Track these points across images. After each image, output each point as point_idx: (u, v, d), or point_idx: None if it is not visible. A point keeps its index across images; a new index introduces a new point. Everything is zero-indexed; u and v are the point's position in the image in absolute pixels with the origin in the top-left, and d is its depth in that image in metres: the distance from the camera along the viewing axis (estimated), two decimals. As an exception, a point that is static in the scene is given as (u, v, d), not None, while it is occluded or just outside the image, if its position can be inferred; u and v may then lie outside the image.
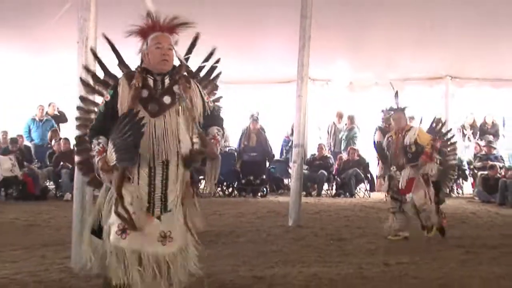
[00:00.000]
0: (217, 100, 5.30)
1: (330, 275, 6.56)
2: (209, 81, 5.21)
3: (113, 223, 4.47)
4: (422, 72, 18.91)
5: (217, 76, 5.26)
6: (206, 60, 5.13)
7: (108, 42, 4.90)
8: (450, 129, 16.71)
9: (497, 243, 8.95)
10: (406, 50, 16.97)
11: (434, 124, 9.85)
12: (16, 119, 18.50)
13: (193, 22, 4.64)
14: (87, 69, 5.31)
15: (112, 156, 4.40)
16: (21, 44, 15.83)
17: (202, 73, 5.21)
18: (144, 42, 4.56)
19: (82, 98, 5.19)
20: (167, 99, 4.50)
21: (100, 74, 5.07)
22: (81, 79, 5.23)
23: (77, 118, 5.24)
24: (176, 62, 4.69)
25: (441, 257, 7.75)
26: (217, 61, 5.20)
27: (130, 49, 4.65)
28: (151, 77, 4.53)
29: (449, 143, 9.91)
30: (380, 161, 11.47)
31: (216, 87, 5.27)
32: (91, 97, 5.24)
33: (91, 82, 5.11)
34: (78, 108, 5.21)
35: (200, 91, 4.70)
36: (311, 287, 6.03)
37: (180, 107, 4.52)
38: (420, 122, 9.81)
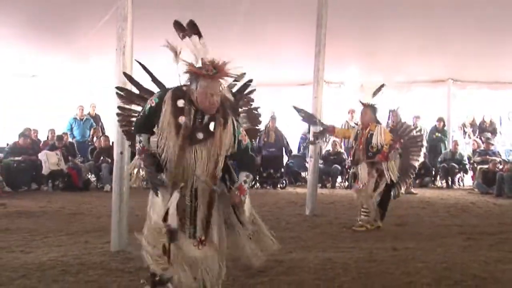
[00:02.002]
0: (255, 109, 5.28)
1: (343, 259, 6.55)
2: (243, 96, 5.13)
3: (150, 221, 4.46)
4: (426, 75, 18.90)
5: (251, 92, 5.19)
6: (237, 80, 4.97)
7: (142, 66, 4.89)
8: (419, 130, 16.74)
9: (495, 231, 8.90)
10: (412, 56, 16.93)
11: (390, 117, 9.64)
12: (61, 118, 18.60)
13: (243, 71, 4.64)
14: (120, 89, 5.23)
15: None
16: (66, 51, 15.90)
17: (235, 88, 5.13)
18: (194, 81, 4.33)
19: (120, 108, 5.13)
20: (200, 135, 4.34)
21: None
22: (117, 94, 5.15)
23: (119, 121, 5.19)
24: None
25: (445, 243, 7.71)
26: (250, 80, 5.11)
27: (163, 55, 4.54)
28: (194, 108, 4.35)
29: (415, 143, 9.68)
30: None
31: (251, 100, 5.21)
32: (128, 106, 5.16)
33: (126, 97, 5.09)
34: (118, 115, 5.16)
35: (234, 127, 4.50)
36: (326, 270, 6.01)
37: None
38: (389, 118, 9.59)
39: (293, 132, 18.97)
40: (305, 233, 8.56)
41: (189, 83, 4.40)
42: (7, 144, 16.67)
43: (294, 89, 19.00)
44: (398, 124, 15.74)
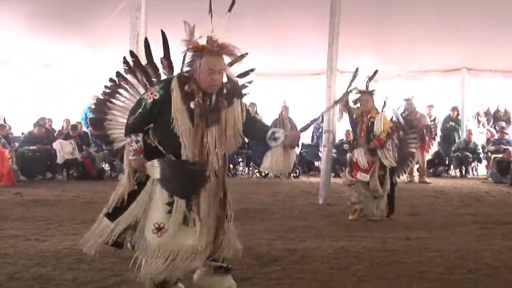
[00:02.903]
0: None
1: (356, 248, 6.55)
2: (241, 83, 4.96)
3: (148, 221, 4.31)
4: (440, 65, 18.87)
5: (249, 82, 4.99)
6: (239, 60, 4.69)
7: (163, 36, 4.68)
8: (433, 119, 16.65)
9: (509, 220, 8.85)
10: (426, 45, 16.87)
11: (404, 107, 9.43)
12: (75, 108, 18.66)
13: (246, 52, 4.47)
14: (132, 53, 5.05)
15: (154, 171, 4.25)
16: (81, 40, 15.95)
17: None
18: (197, 59, 4.25)
19: (118, 74, 4.97)
20: (211, 117, 4.28)
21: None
22: (124, 58, 4.95)
23: (106, 87, 5.00)
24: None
25: (458, 232, 7.69)
26: (252, 69, 4.94)
27: (177, 44, 4.46)
28: (201, 91, 4.27)
29: (411, 131, 9.62)
30: None
31: (242, 96, 4.82)
32: (127, 76, 4.97)
33: (131, 64, 4.89)
34: (110, 80, 4.98)
35: (241, 104, 4.49)
36: (339, 258, 6.02)
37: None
38: (384, 105, 9.48)
39: (306, 121, 18.92)
40: (318, 222, 8.56)
41: (190, 68, 4.36)
42: (22, 134, 16.80)
43: (307, 79, 18.97)
44: (412, 113, 15.80)
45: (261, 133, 4.52)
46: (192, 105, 4.22)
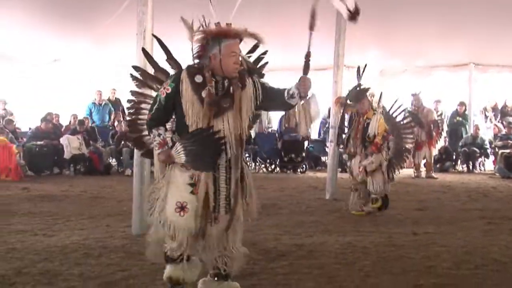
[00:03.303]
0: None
1: (363, 243, 6.55)
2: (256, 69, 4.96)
3: (170, 201, 4.29)
4: (447, 60, 18.82)
5: (264, 65, 5.10)
6: (252, 51, 4.93)
7: (157, 40, 4.80)
8: (440, 114, 16.58)
9: (516, 215, 8.85)
10: (433, 40, 16.80)
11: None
12: (82, 103, 18.71)
13: (262, 38, 4.44)
14: (136, 68, 5.12)
15: (179, 156, 4.26)
16: (88, 35, 15.95)
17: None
18: (215, 45, 4.25)
19: (132, 92, 5.07)
20: (225, 102, 4.28)
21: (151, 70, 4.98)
22: (131, 75, 5.04)
23: (128, 109, 5.13)
24: None
25: (465, 228, 7.68)
26: (265, 52, 5.03)
27: (183, 40, 4.46)
28: (213, 79, 4.28)
29: (406, 126, 9.58)
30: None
31: (262, 76, 5.03)
32: (141, 90, 5.11)
33: (140, 78, 5.00)
34: (129, 101, 5.08)
35: (255, 86, 4.45)
36: (346, 253, 6.02)
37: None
38: (380, 97, 9.44)
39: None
40: (325, 217, 8.56)
41: (200, 58, 4.36)
42: (30, 129, 16.85)
43: (314, 74, 18.87)
44: (419, 108, 15.78)
45: (280, 99, 4.45)
46: (203, 94, 4.23)
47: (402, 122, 9.45)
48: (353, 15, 4.55)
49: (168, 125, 4.55)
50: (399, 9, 15.01)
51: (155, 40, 5.10)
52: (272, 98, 4.50)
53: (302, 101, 4.43)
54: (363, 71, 9.03)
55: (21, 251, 5.96)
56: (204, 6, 4.42)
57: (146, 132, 4.87)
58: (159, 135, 4.35)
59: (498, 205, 10.05)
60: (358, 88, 8.88)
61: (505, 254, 6.05)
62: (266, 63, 5.09)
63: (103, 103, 18.41)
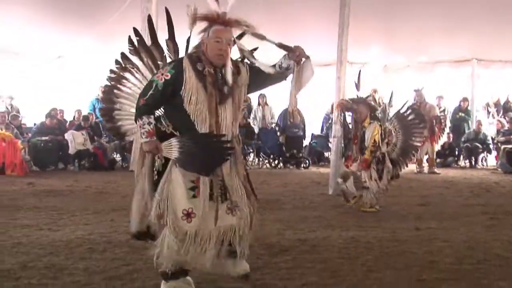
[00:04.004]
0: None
1: (366, 238, 6.54)
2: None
3: (175, 208, 4.19)
4: (450, 55, 18.81)
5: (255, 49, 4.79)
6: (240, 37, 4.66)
7: (167, 15, 4.65)
8: (443, 110, 16.57)
9: (519, 210, 8.84)
10: (436, 35, 16.82)
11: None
12: (87, 99, 18.73)
13: (256, 25, 4.38)
14: (136, 32, 4.95)
15: (171, 151, 4.16)
16: (92, 32, 15.96)
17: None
18: (206, 31, 4.25)
19: (123, 55, 4.92)
20: (225, 90, 4.23)
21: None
22: (129, 38, 4.89)
23: (111, 71, 4.98)
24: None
25: (467, 223, 7.67)
26: (255, 49, 4.75)
27: (187, 36, 4.41)
28: (213, 67, 4.23)
29: (418, 125, 9.47)
30: None
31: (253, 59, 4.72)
32: (132, 58, 4.91)
33: (136, 44, 4.85)
34: (116, 62, 4.95)
35: (246, 68, 4.40)
36: (349, 248, 6.02)
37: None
38: (391, 97, 9.47)
39: (315, 111, 19.02)
40: (328, 212, 8.56)
41: (197, 48, 4.31)
42: (35, 124, 16.87)
43: (317, 70, 18.85)
44: (422, 104, 15.77)
45: (271, 73, 4.42)
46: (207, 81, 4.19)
47: (413, 122, 9.41)
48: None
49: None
50: (402, 5, 15.02)
51: (159, 37, 5.05)
52: (261, 73, 4.43)
53: (297, 68, 4.41)
54: (358, 78, 9.05)
55: (27, 245, 5.97)
56: (208, 4, 4.39)
57: (117, 106, 4.86)
58: (149, 123, 4.18)
59: (500, 200, 10.04)
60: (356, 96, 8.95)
61: (507, 249, 6.05)
62: (256, 48, 4.83)
63: (107, 99, 18.39)
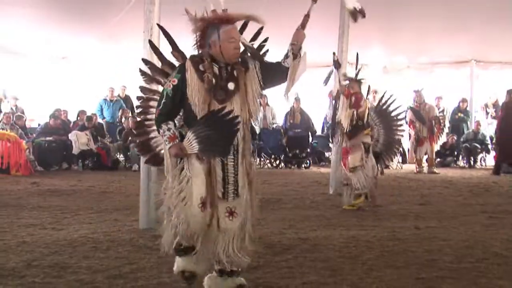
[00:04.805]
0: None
1: (367, 237, 6.54)
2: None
3: (193, 197, 4.16)
4: (449, 57, 18.82)
5: (265, 53, 4.89)
6: (254, 39, 4.79)
7: (162, 30, 4.75)
8: (442, 110, 16.59)
9: (517, 210, 8.83)
10: (435, 37, 16.82)
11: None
12: (91, 99, 18.77)
13: (261, 19, 4.41)
14: (145, 61, 5.07)
15: (192, 145, 4.13)
16: (96, 33, 15.97)
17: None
18: (214, 32, 4.19)
19: (142, 88, 5.00)
20: (231, 86, 4.21)
21: (159, 63, 4.93)
22: (140, 70, 4.97)
23: (137, 107, 5.09)
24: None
25: (467, 222, 7.66)
26: (266, 40, 4.91)
27: (190, 37, 4.36)
28: (216, 65, 4.23)
29: (396, 119, 9.48)
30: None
31: (263, 61, 4.70)
32: (150, 86, 5.01)
33: (149, 72, 4.91)
34: (138, 98, 5.03)
35: (255, 68, 4.37)
36: (350, 247, 6.01)
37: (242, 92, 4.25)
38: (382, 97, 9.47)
39: (316, 112, 19.03)
40: (329, 211, 8.56)
41: (201, 48, 4.32)
42: (39, 125, 16.89)
43: (318, 71, 18.92)
44: (422, 104, 15.77)
45: (278, 67, 4.42)
46: (213, 82, 4.19)
47: (393, 115, 9.37)
48: (357, 14, 4.50)
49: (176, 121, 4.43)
50: (402, 6, 14.99)
51: (161, 37, 5.07)
52: (270, 69, 4.43)
53: (295, 61, 4.38)
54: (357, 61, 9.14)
55: (31, 244, 5.97)
56: (210, 4, 4.39)
57: (153, 135, 4.83)
58: (168, 129, 4.19)
59: (499, 199, 10.03)
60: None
61: (506, 247, 6.04)
62: (267, 51, 4.93)
63: (115, 100, 18.44)
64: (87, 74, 19.22)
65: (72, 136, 15.69)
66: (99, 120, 17.77)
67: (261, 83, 4.36)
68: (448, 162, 17.71)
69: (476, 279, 4.84)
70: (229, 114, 4.14)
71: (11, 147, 13.80)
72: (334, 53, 9.44)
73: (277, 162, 17.37)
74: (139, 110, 5.02)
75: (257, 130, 17.33)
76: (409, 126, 15.90)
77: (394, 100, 9.34)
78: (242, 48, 4.37)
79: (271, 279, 4.80)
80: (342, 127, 8.74)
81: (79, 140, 15.54)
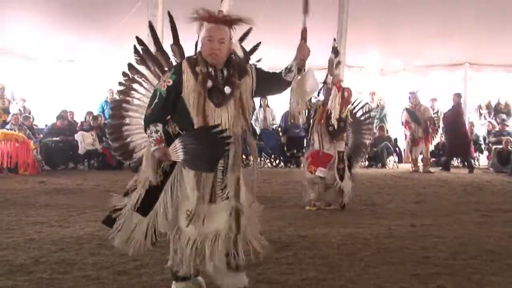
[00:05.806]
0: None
1: (364, 234, 6.53)
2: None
3: (180, 210, 4.08)
4: (444, 59, 18.86)
5: (258, 60, 4.74)
6: (242, 39, 4.61)
7: (170, 19, 4.51)
8: (436, 112, 16.61)
9: (509, 208, 8.80)
10: (430, 41, 16.84)
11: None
12: (96, 101, 18.75)
13: (249, 18, 4.20)
14: (140, 41, 4.73)
15: (177, 153, 3.97)
16: (101, 37, 16.00)
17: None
18: (201, 31, 4.06)
19: (129, 66, 4.76)
20: (227, 90, 4.04)
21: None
22: (134, 47, 4.68)
23: (120, 84, 4.77)
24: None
25: (460, 220, 7.66)
26: (258, 44, 4.81)
27: (194, 42, 4.25)
28: (212, 67, 4.06)
29: (365, 122, 9.36)
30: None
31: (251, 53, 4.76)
32: (138, 67, 4.74)
33: (141, 53, 4.66)
34: (124, 74, 4.74)
35: (251, 75, 4.20)
36: (347, 244, 6.00)
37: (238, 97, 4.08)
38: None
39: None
40: (327, 210, 8.55)
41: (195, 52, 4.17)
42: (46, 126, 16.89)
43: (316, 73, 18.90)
44: (417, 106, 15.78)
45: (277, 77, 4.27)
46: (209, 83, 4.02)
47: (361, 118, 9.29)
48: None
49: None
50: (398, 11, 15.04)
51: (163, 40, 4.98)
52: (267, 79, 4.28)
53: (299, 76, 4.25)
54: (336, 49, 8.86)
55: (39, 241, 5.97)
56: (213, 9, 4.32)
57: (130, 139, 4.65)
58: (156, 131, 4.03)
59: (492, 198, 10.03)
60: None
61: (499, 245, 6.03)
62: (260, 59, 4.78)
63: (115, 101, 18.42)
64: (93, 76, 19.20)
65: (78, 136, 15.71)
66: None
67: (253, 92, 4.22)
68: (443, 162, 17.70)
69: (470, 275, 4.83)
70: (221, 132, 3.97)
71: (19, 147, 13.80)
72: (334, 39, 9.23)
73: (277, 161, 17.36)
74: (121, 88, 4.76)
75: (258, 131, 17.33)
76: (405, 127, 15.96)
77: (365, 104, 9.24)
78: (226, 52, 4.12)
79: (271, 275, 4.80)
80: (331, 124, 8.60)
81: (85, 140, 15.57)
